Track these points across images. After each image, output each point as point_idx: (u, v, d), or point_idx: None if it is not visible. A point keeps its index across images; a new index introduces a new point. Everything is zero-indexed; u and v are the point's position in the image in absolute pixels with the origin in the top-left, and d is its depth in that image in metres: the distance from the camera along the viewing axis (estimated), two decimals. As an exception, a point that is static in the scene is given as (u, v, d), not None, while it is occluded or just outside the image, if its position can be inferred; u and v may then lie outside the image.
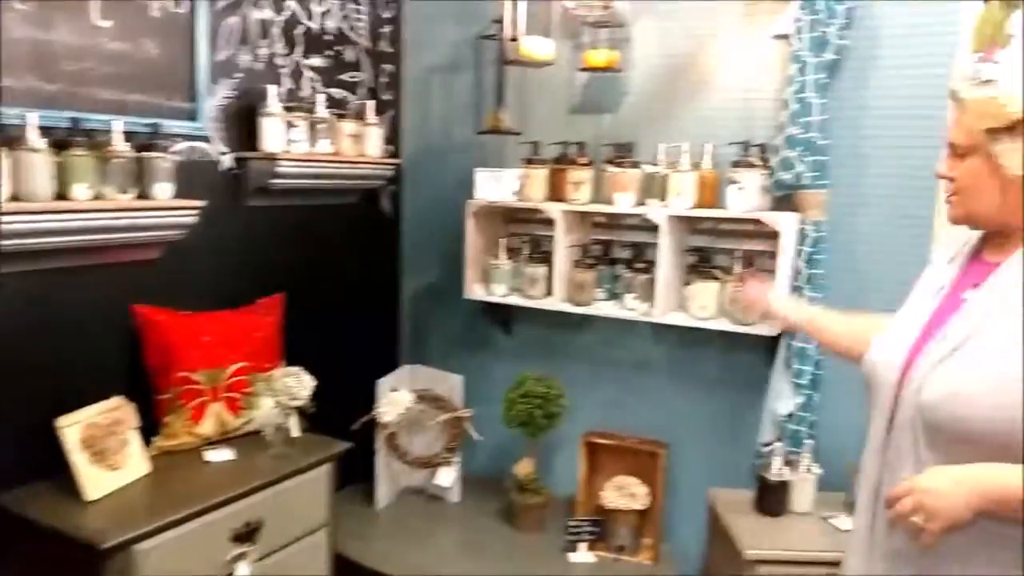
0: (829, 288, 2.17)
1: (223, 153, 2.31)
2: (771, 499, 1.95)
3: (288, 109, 2.33)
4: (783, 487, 1.95)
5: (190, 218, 2.05)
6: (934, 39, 1.99)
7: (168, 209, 2.01)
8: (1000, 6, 1.86)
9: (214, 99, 2.26)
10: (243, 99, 2.33)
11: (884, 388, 1.22)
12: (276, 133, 2.30)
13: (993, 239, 1.21)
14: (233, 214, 2.35)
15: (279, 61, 2.45)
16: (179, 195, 2.04)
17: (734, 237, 2.30)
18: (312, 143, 2.41)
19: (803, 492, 1.96)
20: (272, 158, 2.27)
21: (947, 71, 1.97)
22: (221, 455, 2.06)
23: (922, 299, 1.29)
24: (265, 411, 2.09)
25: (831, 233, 2.16)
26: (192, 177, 2.18)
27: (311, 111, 2.42)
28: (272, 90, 2.28)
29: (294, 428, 2.06)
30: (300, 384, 2.00)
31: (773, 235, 2.11)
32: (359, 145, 2.56)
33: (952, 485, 1.03)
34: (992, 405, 1.06)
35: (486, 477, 2.75)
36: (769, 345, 2.22)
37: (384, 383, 2.52)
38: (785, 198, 2.15)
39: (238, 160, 2.34)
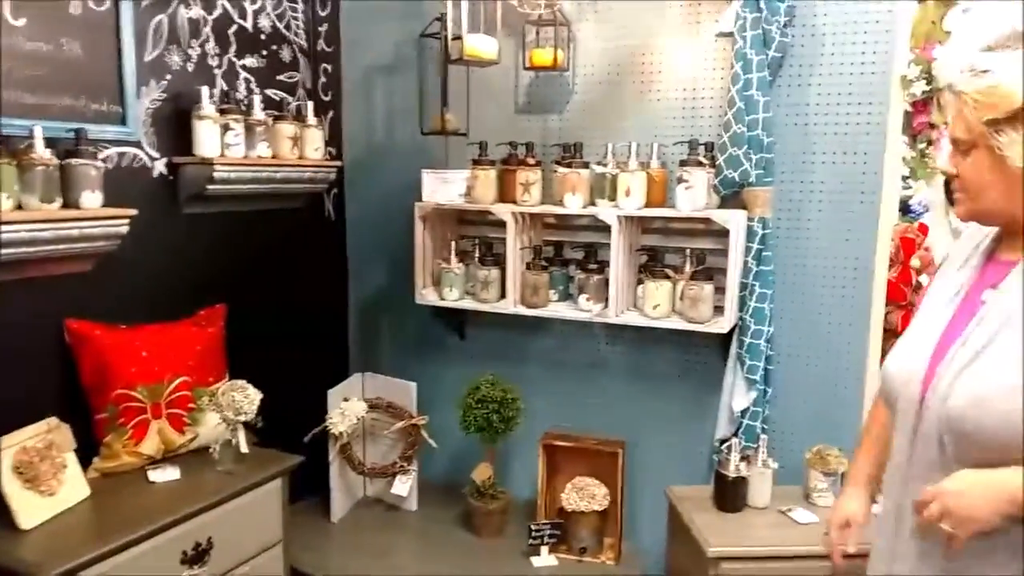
0: (777, 284, 2.23)
1: (155, 158, 2.22)
2: (730, 495, 1.99)
3: (223, 111, 2.26)
4: (741, 483, 1.99)
5: (122, 228, 1.97)
6: (873, 36, 2.05)
7: (97, 219, 1.92)
8: (935, 5, 1.93)
9: (144, 102, 2.17)
10: (175, 101, 2.25)
11: (906, 401, 1.17)
12: (211, 137, 2.22)
13: (1008, 237, 1.17)
14: (169, 222, 2.26)
15: (212, 61, 2.37)
16: (110, 204, 1.96)
17: (684, 236, 2.33)
18: (249, 147, 2.34)
19: (761, 487, 2.01)
20: (207, 163, 2.20)
21: (887, 67, 2.04)
22: (166, 474, 1.99)
23: (937, 307, 1.22)
24: (211, 427, 2.02)
25: (778, 229, 2.22)
26: (123, 184, 2.10)
27: (248, 113, 2.35)
28: (205, 92, 2.21)
29: (242, 444, 2.00)
30: (246, 398, 1.94)
31: (722, 233, 2.15)
32: (299, 148, 2.50)
33: (980, 489, 1.02)
34: (1019, 410, 1.02)
35: (444, 484, 2.73)
36: (723, 342, 2.26)
37: (335, 393, 2.47)
38: (732, 196, 2.20)
39: (172, 166, 2.25)
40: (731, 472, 1.98)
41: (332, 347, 2.95)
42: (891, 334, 2.23)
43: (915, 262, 2.20)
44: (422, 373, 2.80)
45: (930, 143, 2.07)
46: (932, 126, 2.05)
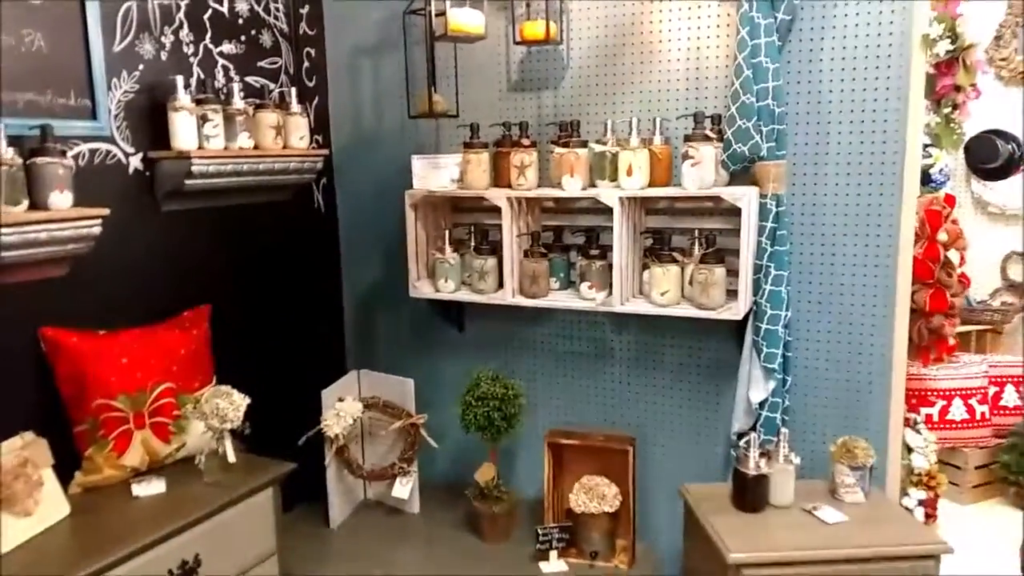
0: (794, 265, 2.11)
1: (130, 154, 2.13)
2: (750, 494, 1.88)
3: (200, 102, 2.16)
4: (762, 481, 1.88)
5: (94, 229, 1.88)
6: (889, -7, 1.91)
7: (67, 221, 1.83)
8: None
9: (115, 94, 2.08)
10: (149, 93, 2.16)
11: None
12: (188, 129, 2.13)
13: None
14: (148, 220, 2.18)
15: (187, 49, 2.27)
16: (81, 203, 1.88)
17: (692, 216, 2.21)
18: (230, 138, 2.24)
19: (783, 484, 1.90)
20: (184, 156, 2.10)
21: (906, 26, 1.90)
22: (151, 487, 1.91)
23: None
24: (198, 435, 1.94)
25: (793, 206, 2.09)
26: (96, 182, 2.02)
27: (227, 103, 2.25)
28: (180, 81, 2.11)
29: (229, 453, 1.91)
30: (231, 404, 1.86)
31: (733, 212, 2.03)
32: (283, 137, 2.40)
33: None
34: None
35: (448, 483, 2.64)
36: (736, 329, 2.14)
37: (329, 393, 2.39)
38: (743, 172, 2.07)
39: (148, 161, 2.16)
40: (751, 470, 1.87)
41: (327, 344, 2.87)
42: (918, 315, 2.11)
43: (942, 236, 2.06)
44: (421, 368, 2.72)
45: (955, 107, 1.93)
46: (958, 88, 1.91)
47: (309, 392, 2.42)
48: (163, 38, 2.19)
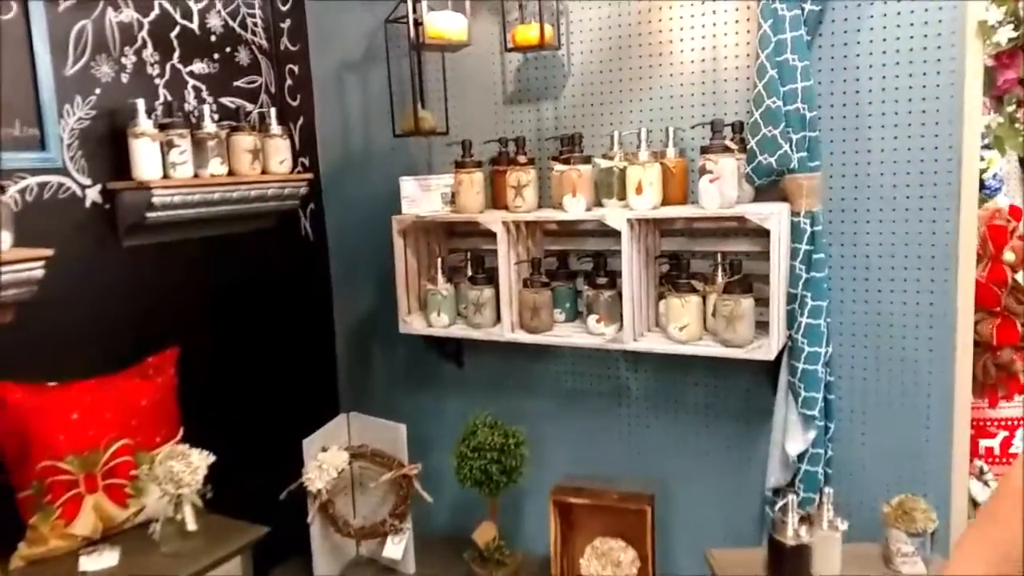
0: (834, 293, 1.82)
1: (86, 186, 1.94)
2: (788, 567, 1.58)
3: (164, 127, 1.97)
4: (802, 552, 1.58)
5: (35, 272, 1.68)
6: (937, -26, 1.63)
7: (4, 264, 1.63)
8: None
9: (68, 121, 1.90)
10: (108, 119, 1.98)
11: None
12: (150, 157, 1.94)
13: None
14: (107, 258, 1.99)
15: (152, 70, 2.08)
16: (28, 242, 1.69)
17: (713, 237, 1.94)
18: (199, 165, 2.05)
19: (827, 555, 1.60)
20: (145, 187, 1.91)
21: (960, 11, 1.62)
22: (102, 560, 1.70)
23: None
24: (156, 498, 1.72)
25: (831, 224, 1.81)
26: (47, 218, 1.84)
27: (197, 127, 2.06)
28: (141, 105, 1.92)
29: (189, 520, 1.69)
30: (188, 467, 1.63)
31: (761, 232, 1.75)
32: (261, 161, 2.20)
33: None
34: None
35: (447, 537, 2.39)
36: (770, 366, 1.86)
37: (312, 442, 2.15)
38: (770, 186, 1.80)
39: (107, 193, 1.97)
40: (789, 539, 1.58)
41: (318, 385, 2.64)
42: (983, 348, 1.81)
43: (1009, 255, 1.76)
44: (419, 407, 2.49)
45: (1020, 104, 1.64)
46: (1023, 82, 1.62)
47: (298, 439, 2.20)
48: (123, 59, 2.00)
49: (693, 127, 1.88)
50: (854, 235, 1.82)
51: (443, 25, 1.85)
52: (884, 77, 1.73)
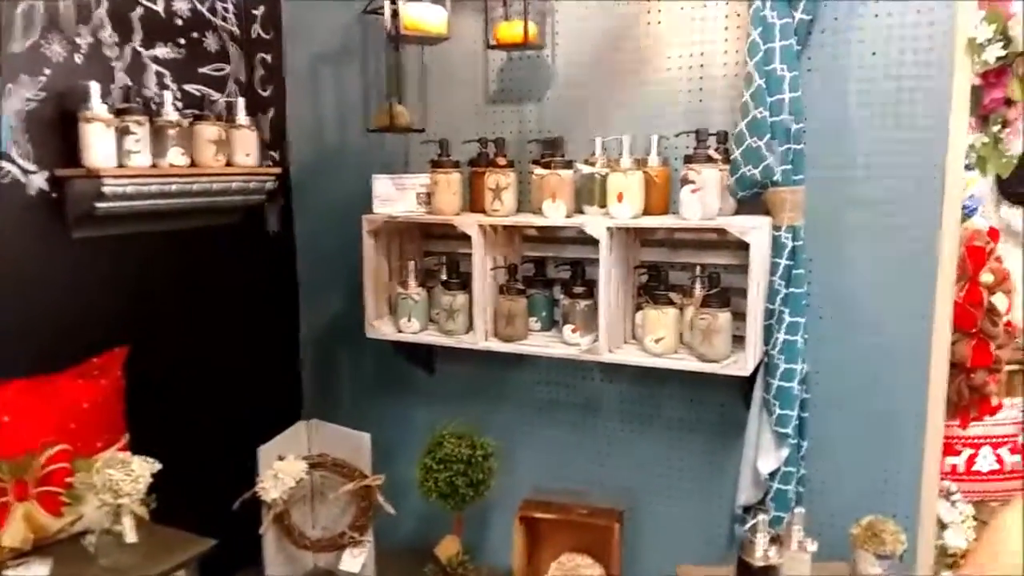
0: (812, 309, 1.79)
1: (31, 172, 1.82)
2: (757, 590, 1.55)
3: (120, 112, 1.86)
4: (770, 572, 1.55)
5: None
6: (928, -11, 1.61)
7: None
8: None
9: (12, 102, 1.78)
10: (59, 101, 1.86)
11: None
12: (103, 143, 1.83)
13: None
14: (54, 249, 1.87)
15: (109, 52, 1.97)
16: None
17: (693, 249, 1.90)
18: (158, 154, 1.95)
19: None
20: (95, 176, 1.80)
21: (950, 27, 1.60)
22: (30, 573, 1.59)
23: None
24: (95, 507, 1.61)
25: (811, 240, 1.78)
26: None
27: (157, 114, 1.95)
28: (95, 88, 1.81)
29: (128, 532, 1.58)
30: (128, 475, 1.53)
31: (741, 246, 1.72)
32: (225, 153, 2.10)
33: None
34: None
35: (411, 549, 2.30)
36: (743, 382, 1.82)
37: (268, 450, 2.06)
38: (752, 198, 1.76)
39: (55, 180, 1.85)
40: (757, 560, 1.55)
41: (279, 389, 2.54)
42: (958, 370, 1.79)
43: (986, 277, 1.75)
44: (387, 415, 2.42)
45: (1005, 124, 1.62)
46: (1009, 102, 1.60)
47: (255, 446, 2.10)
48: (78, 39, 1.89)
49: (677, 135, 1.84)
50: (834, 252, 1.79)
51: (419, 15, 1.77)
52: (870, 92, 1.71)
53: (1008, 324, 1.76)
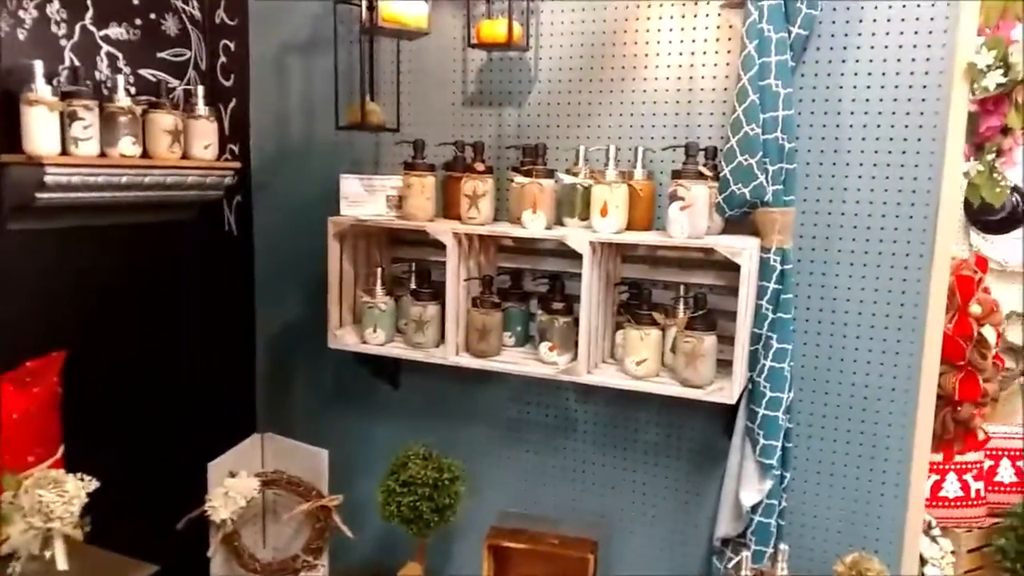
0: (797, 336, 1.76)
1: (-36, 157, 1.68)
2: (737, 630, 1.50)
3: (67, 96, 1.73)
4: (753, 612, 1.51)
5: None
6: (928, 10, 1.59)
7: None
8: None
9: (-55, 79, 1.64)
10: (-1, 81, 1.72)
11: None
12: (46, 128, 1.70)
13: None
14: (-17, 243, 1.73)
15: (57, 30, 1.84)
16: None
17: (676, 268, 1.85)
18: (108, 143, 1.83)
19: (779, 617, 1.53)
20: (36, 163, 1.67)
21: (949, 52, 1.58)
22: (-52, 602, 1.45)
23: None
24: (17, 533, 1.49)
25: (798, 264, 1.74)
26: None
27: (108, 99, 1.83)
28: (39, 68, 1.68)
29: (59, 558, 1.46)
30: (60, 497, 1.41)
31: (727, 266, 1.67)
32: (182, 145, 1.98)
33: None
34: None
35: (371, 573, 2.21)
36: (726, 409, 1.77)
37: (219, 466, 1.95)
38: (739, 218, 1.72)
39: (-10, 167, 1.72)
40: (739, 599, 1.50)
41: (231, 400, 2.42)
42: (944, 402, 1.77)
43: (975, 308, 1.74)
44: (347, 430, 2.33)
45: (1000, 153, 1.61)
46: (1005, 131, 1.59)
47: (205, 461, 1.98)
48: (22, 12, 1.76)
49: (665, 149, 1.79)
50: (822, 276, 1.76)
51: (399, 8, 1.69)
52: (866, 113, 1.68)
53: (996, 357, 1.75)
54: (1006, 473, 3.01)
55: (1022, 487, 2.43)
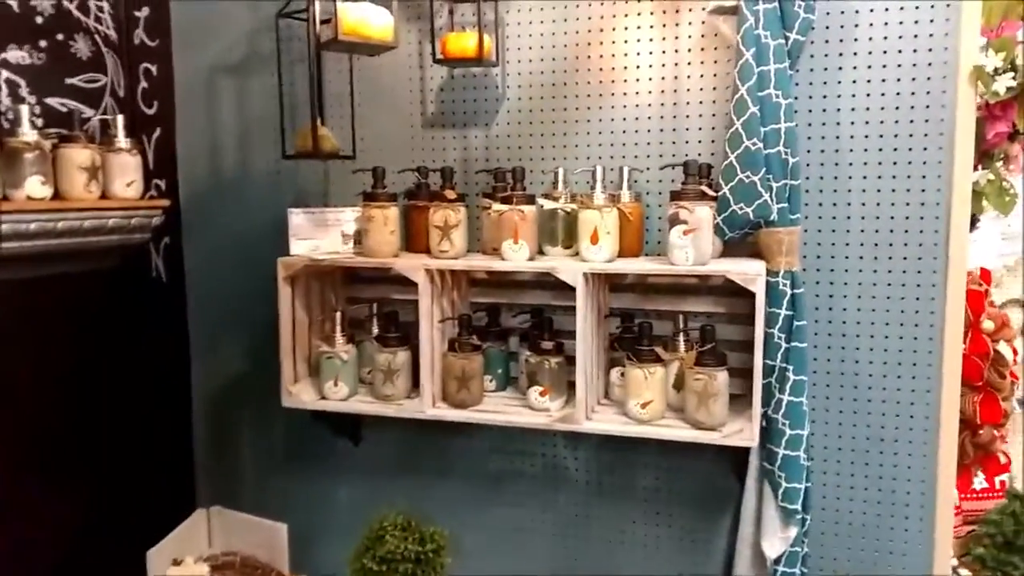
0: (813, 368, 1.64)
1: None
2: None
3: (-42, 128, 1.48)
4: None
5: None
6: (927, 12, 1.52)
7: None
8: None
9: None
10: None
11: None
12: (-67, 168, 1.44)
13: None
14: None
15: (-56, 51, 1.58)
16: None
17: (670, 295, 1.72)
18: (12, 184, 1.58)
19: None
20: (-80, 211, 1.41)
21: (952, 55, 1.51)
22: None
23: None
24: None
25: (805, 285, 1.63)
26: None
27: (10, 133, 1.58)
28: (-79, 97, 1.43)
29: None
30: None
31: (728, 292, 1.55)
32: (100, 183, 1.75)
33: None
34: None
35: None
36: (733, 447, 1.63)
37: (160, 552, 1.69)
38: (740, 240, 1.60)
39: None
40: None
41: (167, 471, 2.14)
42: (963, 426, 1.69)
43: (987, 324, 1.67)
44: (302, 498, 2.09)
45: (1006, 160, 1.55)
46: (1012, 137, 1.53)
47: (141, 547, 1.72)
48: (-100, 32, 1.50)
49: (663, 168, 1.66)
50: (829, 298, 1.66)
51: (364, 17, 1.49)
52: (867, 123, 1.59)
53: (1011, 374, 1.68)
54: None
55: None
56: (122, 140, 1.81)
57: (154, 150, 2.07)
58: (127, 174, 1.82)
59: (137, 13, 2.03)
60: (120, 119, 1.84)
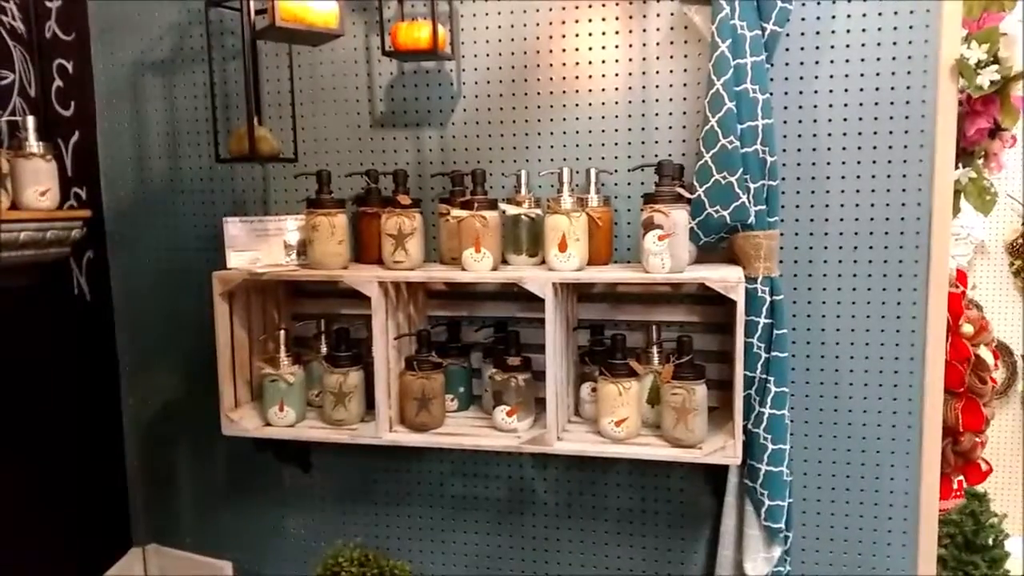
0: (794, 379, 1.57)
1: None
2: None
3: None
4: None
5: None
6: (909, 2, 1.46)
7: None
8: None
9: None
10: None
11: None
12: None
13: None
14: None
15: None
16: None
17: (638, 304, 1.63)
18: (-101, 193, 1.38)
19: None
20: None
21: (933, 48, 1.45)
22: None
23: None
24: None
25: (785, 293, 1.56)
26: None
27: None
28: None
29: None
30: None
31: (701, 300, 1.46)
32: (9, 193, 1.57)
33: None
34: None
35: None
36: (707, 464, 1.55)
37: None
38: (714, 245, 1.52)
39: None
40: None
41: (97, 508, 1.95)
42: (945, 434, 1.64)
43: (966, 328, 1.63)
44: (250, 530, 1.95)
45: (986, 157, 1.50)
46: (992, 134, 1.48)
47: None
48: None
49: (633, 169, 1.56)
50: (808, 304, 1.59)
51: (303, 3, 1.35)
52: (845, 120, 1.52)
53: (991, 380, 1.63)
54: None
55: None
56: (34, 144, 1.63)
57: (73, 156, 1.88)
58: (40, 182, 1.63)
59: (48, 3, 1.84)
60: (31, 121, 1.64)
